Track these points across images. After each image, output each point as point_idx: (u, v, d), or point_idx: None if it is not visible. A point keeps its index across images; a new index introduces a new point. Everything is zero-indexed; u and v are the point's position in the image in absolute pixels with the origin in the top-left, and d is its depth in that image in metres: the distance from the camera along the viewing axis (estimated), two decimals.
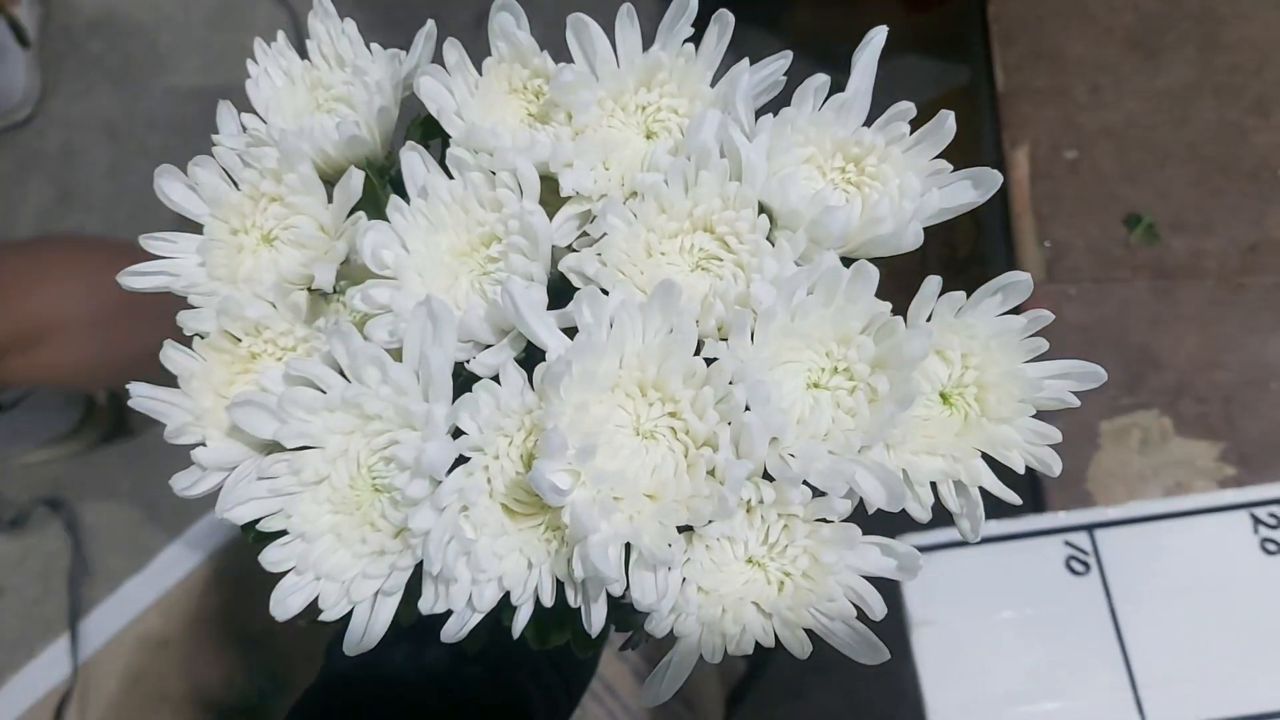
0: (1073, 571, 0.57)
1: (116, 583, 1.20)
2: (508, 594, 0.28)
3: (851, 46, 0.32)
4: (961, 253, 0.94)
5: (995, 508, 0.31)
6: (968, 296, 0.30)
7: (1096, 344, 0.63)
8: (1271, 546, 0.56)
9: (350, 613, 0.29)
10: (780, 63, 0.32)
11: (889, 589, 0.29)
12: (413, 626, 0.30)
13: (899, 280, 0.30)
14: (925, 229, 0.30)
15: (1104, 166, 0.68)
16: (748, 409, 0.27)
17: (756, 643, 0.29)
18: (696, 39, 0.32)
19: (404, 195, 0.32)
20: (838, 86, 0.31)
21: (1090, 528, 0.58)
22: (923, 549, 0.56)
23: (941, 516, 0.31)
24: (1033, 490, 0.60)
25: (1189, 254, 0.65)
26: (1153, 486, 0.59)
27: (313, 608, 0.29)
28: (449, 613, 0.28)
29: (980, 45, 0.74)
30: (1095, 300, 0.64)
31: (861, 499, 0.28)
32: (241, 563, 1.20)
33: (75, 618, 1.17)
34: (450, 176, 0.32)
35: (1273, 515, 0.57)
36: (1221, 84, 0.70)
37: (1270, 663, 0.54)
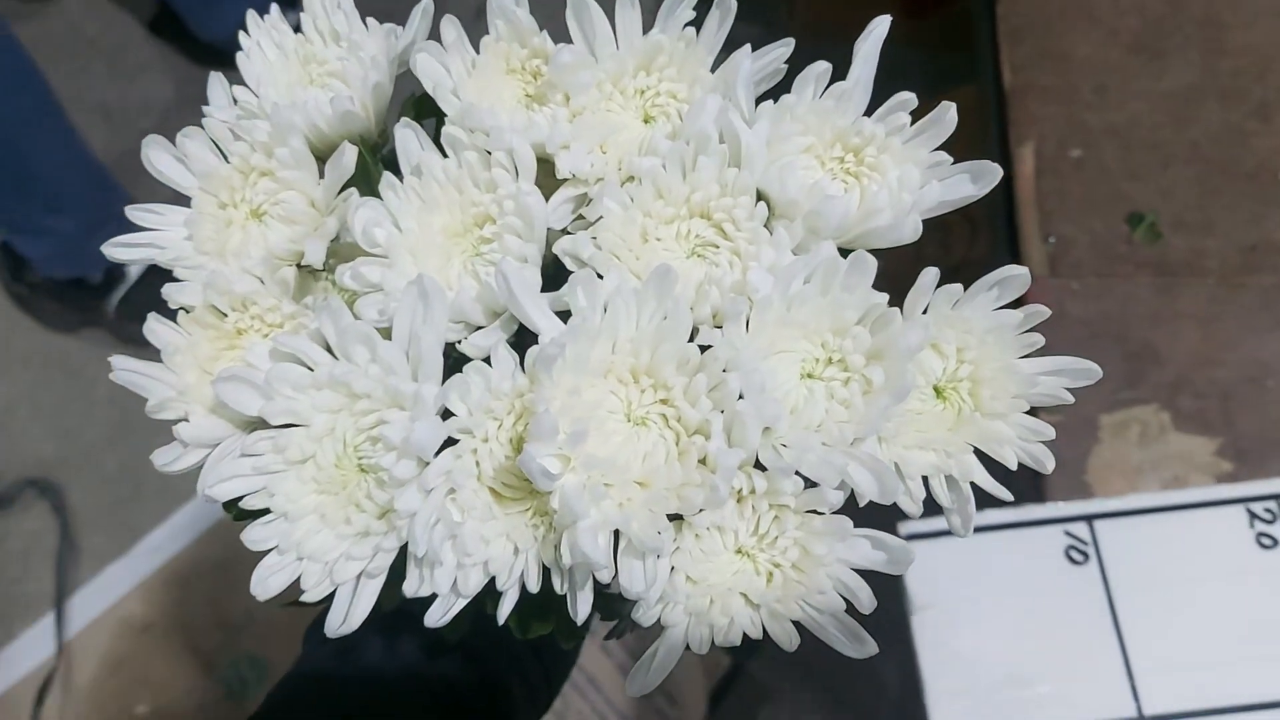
0: (1072, 561, 0.57)
1: (100, 564, 1.18)
2: (492, 580, 0.28)
3: (848, 46, 0.31)
4: (957, 254, 0.94)
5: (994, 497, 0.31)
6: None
7: (1098, 338, 0.63)
8: (1266, 541, 0.57)
9: (332, 595, 0.29)
10: (781, 50, 0.32)
11: (888, 577, 0.29)
12: (392, 614, 0.30)
13: (892, 283, 0.29)
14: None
15: (1108, 165, 0.69)
16: (741, 398, 0.26)
17: (742, 635, 0.29)
18: (697, 24, 0.32)
19: (397, 173, 0.31)
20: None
21: (1090, 518, 0.58)
22: (925, 535, 0.57)
23: None
24: (1034, 481, 0.60)
25: (1190, 253, 0.66)
26: (1151, 479, 0.60)
27: (295, 589, 0.29)
28: (431, 598, 0.28)
29: (987, 44, 0.75)
30: (1097, 295, 0.65)
31: (853, 490, 0.28)
32: (224, 549, 1.19)
33: (62, 598, 1.16)
34: (445, 155, 0.31)
35: (1268, 510, 0.57)
36: (1224, 87, 0.70)
37: (1263, 654, 0.55)
